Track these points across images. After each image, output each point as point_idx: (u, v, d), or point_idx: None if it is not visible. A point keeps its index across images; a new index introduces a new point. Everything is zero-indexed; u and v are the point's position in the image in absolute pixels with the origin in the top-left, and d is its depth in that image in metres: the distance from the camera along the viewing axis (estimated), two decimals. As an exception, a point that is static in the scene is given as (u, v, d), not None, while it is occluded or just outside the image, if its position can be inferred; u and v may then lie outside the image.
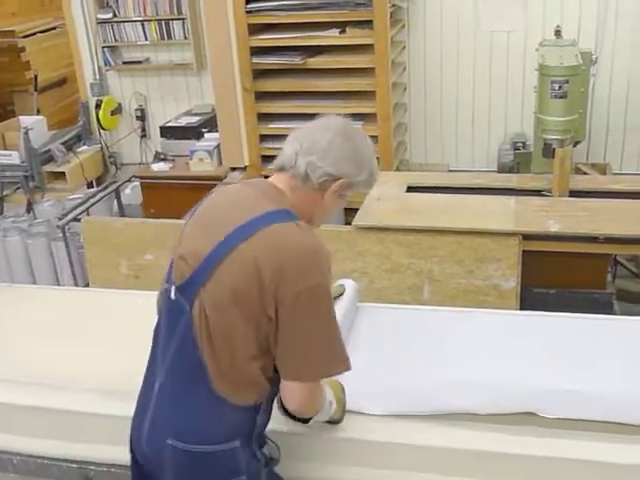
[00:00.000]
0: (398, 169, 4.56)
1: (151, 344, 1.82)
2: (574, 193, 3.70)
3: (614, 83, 4.59)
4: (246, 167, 4.62)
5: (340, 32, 4.24)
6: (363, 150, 1.77)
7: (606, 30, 4.50)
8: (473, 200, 3.64)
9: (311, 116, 4.66)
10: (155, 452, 1.74)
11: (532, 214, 3.40)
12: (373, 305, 2.57)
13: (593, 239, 3.27)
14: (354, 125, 1.83)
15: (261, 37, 4.38)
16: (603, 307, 3.53)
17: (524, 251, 3.31)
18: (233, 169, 4.66)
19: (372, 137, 4.31)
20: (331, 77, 4.34)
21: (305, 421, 1.87)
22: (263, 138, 4.60)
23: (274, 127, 4.54)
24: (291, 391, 1.69)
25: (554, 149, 3.62)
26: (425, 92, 4.87)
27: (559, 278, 3.53)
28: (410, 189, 3.86)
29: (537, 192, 3.73)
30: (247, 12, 4.31)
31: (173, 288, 1.72)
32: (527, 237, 3.28)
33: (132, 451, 1.83)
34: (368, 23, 4.17)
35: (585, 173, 4.41)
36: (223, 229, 1.67)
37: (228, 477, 1.71)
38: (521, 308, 3.29)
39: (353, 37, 4.22)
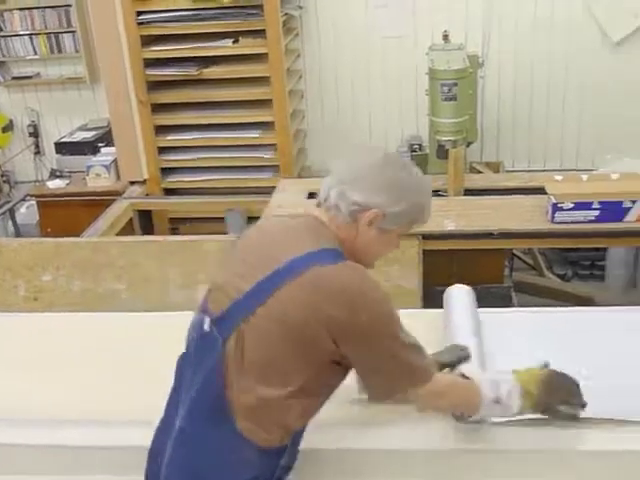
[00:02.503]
0: (300, 176, 4.59)
1: (174, 375, 1.75)
2: (469, 192, 3.82)
3: (502, 84, 4.76)
4: (145, 180, 4.57)
5: (234, 42, 4.25)
6: (400, 180, 1.66)
7: (491, 34, 4.66)
8: (373, 203, 3.70)
9: (209, 126, 4.66)
10: None
11: (430, 214, 3.49)
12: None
13: (489, 235, 3.39)
14: (399, 157, 1.76)
15: (154, 49, 4.34)
16: (502, 300, 3.67)
17: (424, 250, 3.40)
18: (132, 183, 4.59)
19: (271, 145, 4.40)
20: (227, 87, 4.34)
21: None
22: (162, 150, 4.55)
23: (172, 139, 4.51)
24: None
25: (447, 150, 3.73)
26: (322, 98, 4.93)
27: (459, 275, 3.61)
28: (312, 195, 3.89)
29: (434, 192, 3.79)
30: (139, 24, 4.26)
31: (208, 320, 1.65)
32: (426, 237, 3.37)
33: None
34: (261, 32, 4.19)
35: (479, 172, 4.55)
36: (268, 265, 1.60)
37: None
38: (424, 306, 3.37)
39: (247, 47, 4.24)
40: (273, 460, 1.66)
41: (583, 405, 1.79)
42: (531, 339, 2.25)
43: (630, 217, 3.31)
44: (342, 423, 1.88)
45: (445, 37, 4.02)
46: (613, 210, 3.28)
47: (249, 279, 1.61)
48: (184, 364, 1.72)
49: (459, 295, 2.40)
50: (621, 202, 3.30)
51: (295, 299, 1.56)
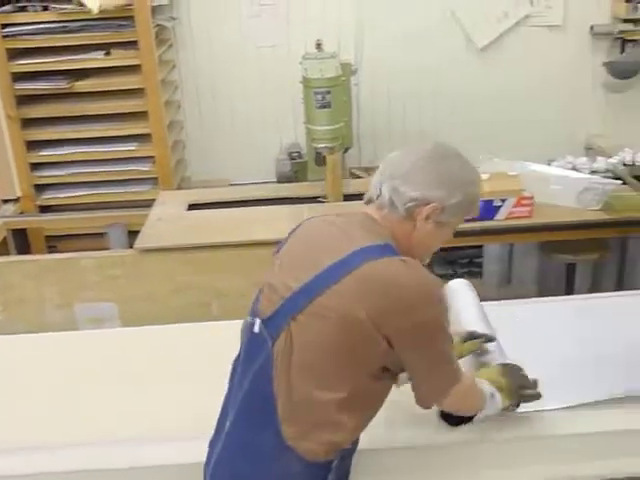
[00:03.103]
0: (180, 187, 4.54)
1: (228, 380, 1.73)
2: (348, 197, 3.89)
3: (376, 91, 4.87)
4: (19, 198, 4.41)
5: (105, 54, 4.16)
6: (453, 171, 1.65)
7: (364, 42, 4.76)
8: (254, 212, 3.73)
9: (84, 140, 4.54)
10: None
11: (309, 221, 3.53)
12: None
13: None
14: (449, 147, 1.72)
15: (22, 62, 4.20)
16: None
17: (306, 257, 3.43)
18: (5, 201, 4.42)
19: (149, 157, 4.34)
20: (101, 99, 4.25)
21: (470, 419, 1.81)
22: (36, 166, 4.40)
23: (46, 154, 4.37)
24: (444, 406, 1.73)
25: (324, 157, 3.79)
26: (200, 109, 4.90)
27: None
28: (192, 207, 3.88)
29: (314, 199, 3.88)
30: (4, 37, 4.11)
31: (258, 321, 1.63)
32: (306, 244, 3.40)
33: None
34: (133, 44, 4.13)
35: (359, 177, 4.64)
36: (319, 262, 1.58)
37: None
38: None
39: (119, 58, 4.16)
40: (320, 475, 1.61)
41: (534, 382, 1.89)
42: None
43: (500, 215, 3.46)
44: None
45: (318, 46, 4.07)
46: (485, 209, 3.41)
47: (299, 278, 1.59)
48: (235, 368, 1.72)
49: (461, 289, 2.50)
50: (491, 201, 3.44)
51: (347, 295, 1.53)
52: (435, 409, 1.82)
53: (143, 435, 2.00)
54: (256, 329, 1.63)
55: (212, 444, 1.73)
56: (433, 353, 1.61)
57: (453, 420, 1.85)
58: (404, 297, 1.53)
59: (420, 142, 1.74)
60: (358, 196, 3.85)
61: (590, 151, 4.74)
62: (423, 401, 1.69)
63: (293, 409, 1.58)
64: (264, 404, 1.60)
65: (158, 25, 4.38)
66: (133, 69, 4.18)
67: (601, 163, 3.93)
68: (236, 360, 1.74)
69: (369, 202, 1.70)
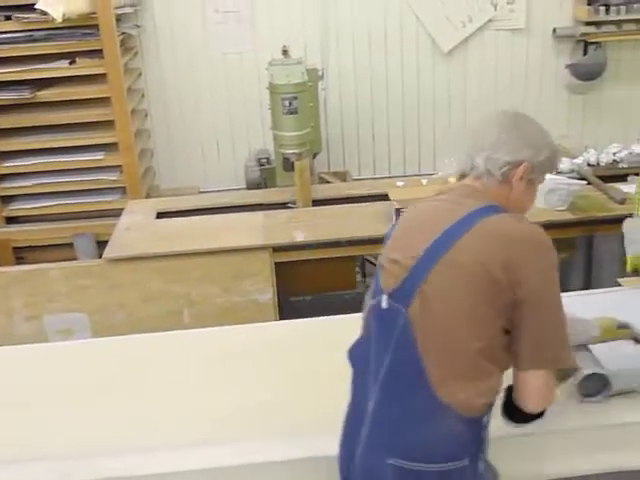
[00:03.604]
0: (148, 196, 4.51)
1: (353, 368, 1.80)
2: (317, 202, 3.91)
3: (343, 96, 4.90)
4: (-16, 210, 4.35)
5: (70, 63, 4.12)
6: (533, 132, 1.81)
7: (330, 48, 4.78)
8: (223, 219, 3.72)
9: (51, 151, 4.48)
10: (372, 474, 1.70)
11: (279, 226, 3.54)
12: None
13: (337, 243, 3.48)
14: (524, 113, 1.87)
15: (-17, 72, 4.14)
16: (356, 305, 3.75)
17: (277, 263, 3.44)
18: (-30, 213, 4.37)
19: (116, 167, 4.31)
20: (67, 109, 4.21)
21: (534, 418, 1.76)
22: (1, 178, 4.34)
23: (11, 165, 4.31)
24: (528, 383, 1.66)
25: (292, 162, 3.80)
26: (167, 117, 4.88)
27: (313, 285, 3.71)
28: (160, 215, 3.86)
29: (283, 205, 3.89)
30: (-34, 46, 4.06)
31: (384, 297, 1.70)
32: (277, 249, 3.41)
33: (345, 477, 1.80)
34: (98, 52, 4.10)
35: (328, 181, 4.65)
36: (438, 227, 1.69)
37: None
38: (280, 318, 3.41)
39: (84, 67, 4.12)
40: (477, 432, 1.69)
41: None
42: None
43: (468, 217, 3.48)
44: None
45: (285, 52, 4.08)
46: (452, 211, 3.44)
47: (419, 247, 1.68)
48: (362, 351, 1.76)
49: None
50: (459, 203, 3.46)
51: (472, 247, 1.64)
52: (499, 403, 1.79)
53: (112, 446, 1.98)
54: (384, 305, 1.70)
55: (349, 438, 1.78)
56: (551, 309, 1.66)
57: (519, 418, 1.80)
58: (525, 246, 1.66)
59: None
60: (328, 201, 3.93)
61: (555, 152, 4.80)
62: (523, 364, 1.67)
63: (441, 365, 1.65)
64: (412, 368, 1.66)
65: (123, 33, 4.35)
66: (98, 78, 4.15)
67: (566, 164, 3.98)
68: (358, 345, 1.81)
69: (462, 177, 1.82)
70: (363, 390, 1.76)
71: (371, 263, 4.65)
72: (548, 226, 3.47)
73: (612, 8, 4.64)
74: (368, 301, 1.81)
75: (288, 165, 3.88)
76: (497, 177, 1.76)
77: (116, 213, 4.01)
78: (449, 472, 1.66)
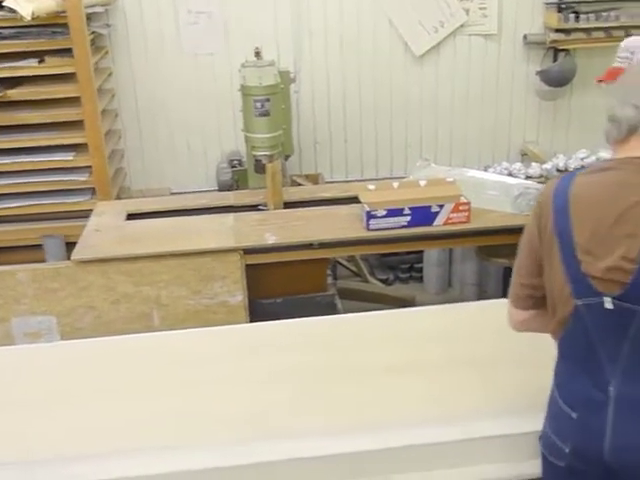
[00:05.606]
0: (119, 197, 4.48)
1: (563, 362, 1.83)
2: (289, 204, 3.89)
3: (316, 99, 4.90)
4: (-44, 210, 4.29)
5: (39, 62, 4.08)
6: None
7: (303, 50, 4.79)
8: (194, 221, 3.70)
9: (18, 151, 4.41)
10: (631, 464, 1.70)
11: (250, 229, 3.53)
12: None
13: (309, 246, 3.48)
14: None
15: (-48, 71, 4.08)
16: (327, 308, 3.76)
17: (248, 265, 3.43)
18: (-61, 214, 4.30)
19: (86, 167, 4.26)
20: (35, 108, 4.15)
21: None
22: (-30, 178, 4.29)
23: (-22, 165, 4.26)
24: None
25: (264, 165, 3.79)
26: (138, 117, 4.84)
27: (284, 287, 3.70)
28: (130, 216, 3.82)
29: (254, 207, 3.88)
30: None
31: (608, 299, 1.65)
32: (248, 251, 3.40)
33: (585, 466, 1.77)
34: (68, 51, 4.06)
35: (300, 184, 4.65)
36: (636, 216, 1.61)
37: None
38: (251, 320, 3.40)
39: (53, 66, 4.08)
40: None
41: None
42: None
43: (438, 221, 3.50)
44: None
45: (257, 54, 4.08)
46: (423, 215, 3.46)
47: (632, 245, 1.61)
48: (582, 346, 1.74)
49: None
50: (429, 207, 3.49)
51: None
52: None
53: (84, 451, 1.96)
54: (608, 306, 1.67)
55: (585, 413, 1.75)
56: None
57: None
58: None
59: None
60: (299, 203, 3.92)
61: (525, 157, 4.86)
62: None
63: None
64: None
65: (93, 32, 4.31)
66: (68, 77, 4.11)
67: (535, 169, 4.03)
68: (576, 336, 1.77)
69: (623, 141, 1.70)
70: (593, 384, 1.74)
71: (344, 266, 4.67)
72: (516, 230, 3.52)
73: (582, 16, 4.70)
74: (553, 284, 1.80)
75: (260, 167, 3.87)
76: None
77: (86, 214, 3.96)
78: None
